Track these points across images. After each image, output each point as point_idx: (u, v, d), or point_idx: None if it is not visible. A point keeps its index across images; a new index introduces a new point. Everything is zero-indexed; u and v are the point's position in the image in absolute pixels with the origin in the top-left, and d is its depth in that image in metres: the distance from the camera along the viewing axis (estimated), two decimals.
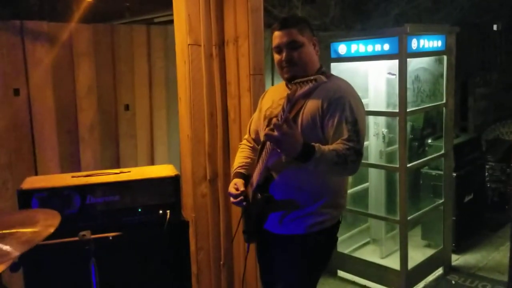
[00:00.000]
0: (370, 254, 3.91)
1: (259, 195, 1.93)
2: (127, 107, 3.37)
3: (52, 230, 1.63)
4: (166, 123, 3.52)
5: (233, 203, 2.02)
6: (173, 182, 2.36)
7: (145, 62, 3.40)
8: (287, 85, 2.02)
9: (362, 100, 2.02)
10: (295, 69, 1.95)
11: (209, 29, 2.76)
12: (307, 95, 1.90)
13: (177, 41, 2.87)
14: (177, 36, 2.86)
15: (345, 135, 1.81)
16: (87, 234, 1.87)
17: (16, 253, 1.50)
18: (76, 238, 1.89)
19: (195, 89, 2.79)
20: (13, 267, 1.86)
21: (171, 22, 3.01)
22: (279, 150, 1.75)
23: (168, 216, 2.31)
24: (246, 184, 2.05)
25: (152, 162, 3.47)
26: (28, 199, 2.20)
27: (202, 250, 2.89)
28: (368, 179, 4.03)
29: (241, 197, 1.98)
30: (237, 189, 2.00)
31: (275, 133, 1.67)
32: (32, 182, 2.34)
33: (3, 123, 2.96)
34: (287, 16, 2.21)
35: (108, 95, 3.29)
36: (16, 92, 3.01)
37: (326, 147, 1.77)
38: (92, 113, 3.23)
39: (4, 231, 1.64)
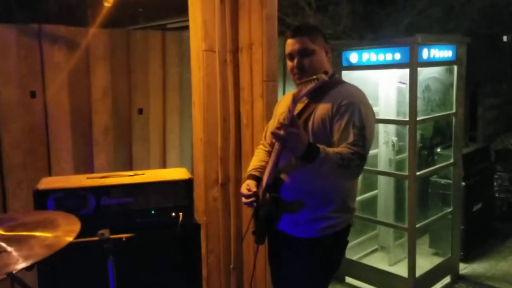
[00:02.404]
0: (378, 261, 3.92)
1: (268, 195, 1.97)
2: (140, 111, 3.43)
3: (73, 236, 1.64)
4: (178, 127, 3.57)
5: (245, 203, 2.06)
6: (187, 185, 2.40)
7: (159, 67, 3.46)
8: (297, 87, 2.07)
9: (373, 108, 2.05)
10: (306, 76, 1.98)
11: (224, 35, 2.81)
12: (318, 100, 1.97)
13: (192, 47, 2.92)
14: (192, 42, 2.92)
15: (351, 139, 1.83)
16: (105, 233, 1.90)
17: (38, 257, 1.51)
18: (94, 238, 1.92)
19: (209, 94, 2.84)
20: (28, 266, 1.90)
21: (184, 28, 3.07)
22: (284, 149, 1.79)
23: (180, 218, 2.35)
24: (258, 186, 2.08)
25: (164, 165, 3.52)
26: (44, 200, 2.24)
27: (212, 253, 2.92)
28: (377, 186, 4.05)
29: (253, 198, 2.01)
30: (249, 190, 2.03)
31: (281, 132, 1.72)
32: (48, 183, 2.38)
33: (19, 125, 3.02)
34: (299, 24, 2.26)
35: (123, 99, 3.35)
36: (33, 94, 3.07)
37: (331, 149, 1.80)
38: (107, 116, 3.28)
39: (26, 233, 1.66)
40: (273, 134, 1.76)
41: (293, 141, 1.73)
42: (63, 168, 3.17)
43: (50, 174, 3.12)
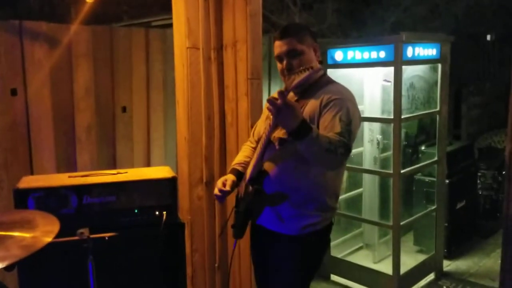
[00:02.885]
0: (363, 259, 3.94)
1: (250, 187, 1.96)
2: (124, 109, 3.39)
3: (52, 237, 1.61)
4: (163, 126, 3.54)
5: (215, 195, 2.08)
6: (170, 183, 2.38)
7: (143, 65, 3.42)
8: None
9: (358, 106, 2.05)
10: None
11: (208, 32, 2.79)
12: (307, 96, 1.97)
13: (176, 44, 2.90)
14: (176, 39, 2.89)
15: (338, 130, 1.82)
16: (85, 232, 1.87)
17: (15, 258, 1.48)
18: (74, 238, 1.89)
19: (193, 92, 2.81)
20: (8, 267, 1.86)
21: (168, 26, 3.04)
22: (277, 120, 1.75)
23: (164, 217, 2.32)
24: (238, 182, 2.09)
25: (148, 164, 3.49)
26: (24, 199, 2.21)
27: (197, 252, 2.91)
28: (362, 184, 4.07)
29: (222, 195, 2.04)
30: (224, 186, 2.04)
31: (279, 101, 1.68)
32: (29, 182, 2.34)
33: (0, 123, 2.96)
34: (287, 25, 2.25)
35: (106, 96, 3.31)
36: (14, 92, 3.01)
37: (320, 132, 1.78)
38: (90, 114, 3.24)
39: (3, 233, 1.62)
40: (269, 101, 1.70)
41: (289, 112, 1.68)
42: (45, 167, 3.12)
43: (32, 173, 3.07)
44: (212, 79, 2.85)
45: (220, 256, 2.95)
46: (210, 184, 2.89)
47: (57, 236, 2.06)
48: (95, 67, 3.23)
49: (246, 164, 2.15)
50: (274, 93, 2.28)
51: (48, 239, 1.56)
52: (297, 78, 1.71)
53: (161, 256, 2.36)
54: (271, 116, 1.81)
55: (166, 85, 3.49)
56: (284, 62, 2.02)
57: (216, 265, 2.95)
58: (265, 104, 2.27)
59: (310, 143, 1.71)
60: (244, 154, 2.23)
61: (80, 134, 3.21)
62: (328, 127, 1.84)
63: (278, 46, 2.04)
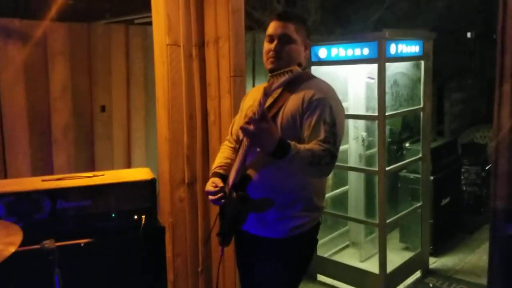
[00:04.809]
0: (349, 258, 3.91)
1: (235, 194, 1.88)
2: (103, 108, 3.29)
3: (13, 249, 1.52)
4: (144, 125, 3.44)
5: (211, 201, 1.95)
6: (149, 186, 2.29)
7: (123, 62, 3.32)
8: (269, 80, 1.99)
9: (342, 104, 2.00)
10: (280, 63, 1.92)
11: (189, 29, 2.71)
12: (290, 90, 1.91)
13: (155, 41, 2.81)
14: (155, 36, 2.80)
15: (322, 136, 1.78)
16: (49, 243, 1.75)
17: None
18: (37, 246, 1.78)
19: (174, 90, 2.73)
20: None
21: (151, 23, 2.95)
22: (254, 145, 1.73)
23: (143, 221, 2.24)
24: (223, 184, 1.99)
25: (129, 165, 3.39)
26: None
27: (179, 256, 2.82)
28: (347, 182, 4.04)
29: (221, 194, 1.91)
30: (215, 186, 1.94)
31: (251, 127, 1.64)
32: None
33: None
34: (288, 10, 2.20)
35: (84, 95, 3.21)
36: None
37: (302, 146, 1.74)
38: (67, 114, 3.13)
39: None
40: (242, 129, 1.68)
41: (264, 136, 1.66)
42: (20, 169, 3.01)
43: (6, 176, 2.95)
44: (194, 76, 2.77)
45: (203, 260, 2.87)
46: (192, 185, 2.81)
47: (30, 243, 1.97)
48: (72, 65, 3.13)
49: (227, 166, 2.08)
50: (256, 87, 2.24)
51: (10, 251, 1.46)
52: (276, 82, 1.68)
53: (140, 261, 2.27)
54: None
55: (147, 83, 3.40)
56: (274, 43, 1.96)
57: (199, 269, 2.87)
58: (242, 99, 2.22)
59: (291, 160, 1.69)
60: (223, 155, 2.15)
61: (57, 134, 3.10)
62: (313, 134, 1.81)
63: (274, 27, 1.98)
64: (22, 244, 1.64)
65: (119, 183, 2.28)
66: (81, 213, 2.21)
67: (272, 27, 1.99)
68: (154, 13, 2.78)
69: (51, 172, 3.04)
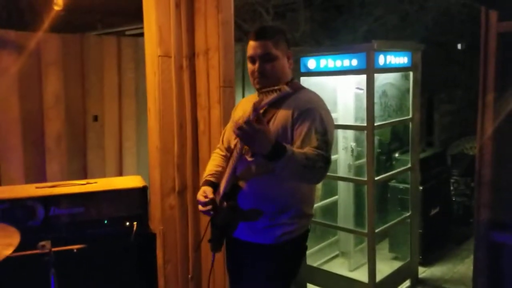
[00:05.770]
0: (338, 267, 3.93)
1: (225, 203, 1.93)
2: (95, 118, 3.34)
3: (11, 250, 1.57)
4: (135, 134, 3.49)
5: (201, 211, 2.00)
6: (140, 193, 2.34)
7: (115, 73, 3.38)
8: (258, 96, 2.03)
9: (332, 114, 2.04)
10: (266, 81, 1.95)
11: (179, 40, 2.76)
12: (277, 106, 1.93)
13: (147, 52, 2.86)
14: (147, 47, 2.86)
15: (314, 144, 1.81)
16: (46, 245, 1.81)
17: None
18: (35, 251, 1.83)
19: (165, 100, 2.78)
20: None
21: (142, 34, 3.02)
22: (250, 147, 1.74)
23: (134, 228, 2.28)
24: (214, 193, 2.03)
25: (120, 173, 3.43)
26: None
27: (169, 263, 2.85)
28: (337, 192, 4.07)
29: (210, 206, 1.95)
30: (206, 197, 1.98)
31: (247, 127, 1.65)
32: None
33: None
34: (264, 26, 2.22)
35: (76, 105, 3.26)
36: None
37: (296, 149, 1.76)
38: (60, 123, 3.18)
39: None
40: (239, 129, 1.68)
41: (260, 137, 1.67)
42: (13, 178, 3.05)
43: (0, 184, 2.99)
44: (184, 87, 2.82)
45: (194, 267, 2.90)
46: (182, 193, 2.85)
47: (23, 249, 2.01)
48: (65, 76, 3.19)
49: (218, 174, 2.11)
50: (247, 98, 2.28)
51: (7, 252, 1.50)
52: (265, 99, 1.68)
53: (132, 267, 2.31)
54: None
55: (138, 93, 3.46)
56: (257, 64, 1.97)
57: (190, 276, 2.90)
58: (233, 110, 2.26)
59: (286, 162, 1.70)
60: (214, 163, 2.19)
61: (50, 143, 3.15)
62: (305, 141, 1.82)
63: (253, 47, 1.98)
64: (17, 249, 1.68)
65: (111, 191, 2.33)
66: (74, 219, 2.26)
67: (251, 48, 1.99)
68: (146, 25, 2.84)
69: (43, 181, 3.07)
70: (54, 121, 3.16)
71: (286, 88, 1.67)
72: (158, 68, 2.75)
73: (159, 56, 2.74)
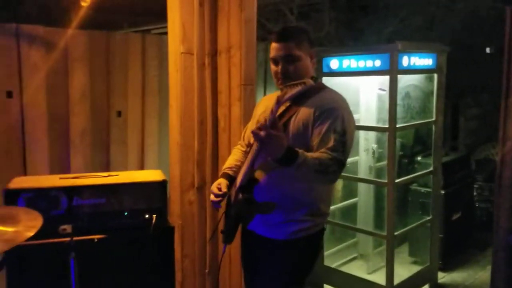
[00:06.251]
0: (357, 269, 3.90)
1: (241, 195, 1.95)
2: (119, 114, 3.40)
3: (34, 231, 1.62)
4: (157, 131, 3.55)
5: (211, 201, 2.04)
6: (160, 187, 2.38)
7: (139, 70, 3.44)
8: (281, 91, 2.05)
9: (354, 115, 2.03)
10: (290, 82, 1.96)
11: (202, 38, 2.80)
12: (300, 103, 1.95)
13: (170, 49, 2.91)
14: (170, 45, 2.90)
15: (331, 144, 1.82)
16: (67, 228, 1.87)
17: None
18: (57, 240, 1.89)
19: (186, 97, 2.82)
20: None
21: (167, 33, 3.06)
22: (263, 151, 1.78)
23: (154, 220, 2.32)
24: (230, 186, 2.07)
25: (142, 168, 3.49)
26: (15, 199, 2.21)
27: (187, 258, 2.89)
28: (357, 193, 4.04)
29: (220, 198, 1.99)
30: (219, 189, 2.01)
31: (262, 133, 1.69)
32: (20, 182, 2.35)
33: None
34: (286, 27, 2.22)
35: (101, 101, 3.33)
36: (9, 94, 3.04)
37: (309, 154, 1.78)
38: (84, 118, 3.25)
39: None
40: (253, 133, 1.73)
41: (273, 143, 1.70)
42: (39, 169, 3.13)
43: (25, 175, 3.07)
44: (206, 84, 2.85)
45: (211, 262, 2.93)
46: (201, 189, 2.88)
47: (48, 237, 2.08)
48: (91, 72, 3.25)
49: (237, 168, 2.14)
50: (269, 95, 2.30)
51: (30, 233, 1.56)
52: (289, 92, 1.71)
53: (150, 259, 2.35)
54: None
55: (161, 91, 3.51)
56: (280, 66, 1.99)
57: (207, 271, 2.93)
58: (255, 107, 2.28)
59: (298, 167, 1.73)
60: (234, 158, 2.22)
61: (74, 137, 3.22)
62: (322, 142, 1.84)
63: (275, 49, 2.00)
64: (40, 237, 1.73)
65: (132, 183, 2.37)
66: (95, 210, 2.31)
67: (274, 50, 2.01)
68: (169, 23, 2.89)
69: (68, 173, 3.15)
70: (79, 116, 3.24)
71: (310, 81, 1.70)
72: (181, 65, 2.79)
73: (182, 53, 2.79)
